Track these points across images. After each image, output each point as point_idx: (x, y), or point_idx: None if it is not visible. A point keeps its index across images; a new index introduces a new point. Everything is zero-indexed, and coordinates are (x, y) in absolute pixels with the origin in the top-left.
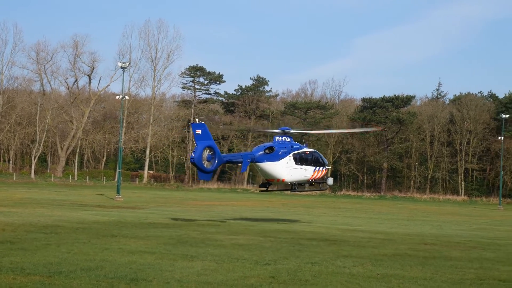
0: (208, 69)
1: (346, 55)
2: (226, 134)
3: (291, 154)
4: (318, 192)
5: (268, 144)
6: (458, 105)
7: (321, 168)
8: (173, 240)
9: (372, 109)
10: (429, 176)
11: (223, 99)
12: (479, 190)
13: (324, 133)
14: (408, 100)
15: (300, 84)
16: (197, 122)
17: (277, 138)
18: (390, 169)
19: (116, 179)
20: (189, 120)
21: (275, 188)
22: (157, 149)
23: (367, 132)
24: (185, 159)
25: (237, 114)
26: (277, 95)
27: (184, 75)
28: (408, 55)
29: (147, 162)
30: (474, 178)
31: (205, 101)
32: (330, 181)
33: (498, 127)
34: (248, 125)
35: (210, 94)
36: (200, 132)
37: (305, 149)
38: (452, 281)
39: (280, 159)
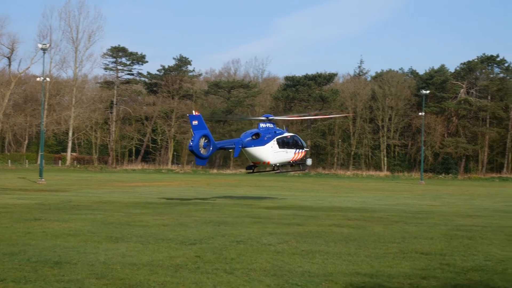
0: (130, 50)
1: (269, 34)
2: (150, 114)
3: (275, 139)
4: (243, 171)
5: (255, 130)
6: (380, 82)
7: (300, 150)
8: (97, 222)
9: (295, 87)
10: (352, 153)
11: (146, 80)
12: (401, 166)
13: (302, 119)
14: (330, 77)
15: (223, 63)
16: (194, 113)
17: (261, 124)
18: (314, 146)
19: (39, 162)
20: (112, 101)
21: (261, 170)
22: (80, 131)
23: (341, 117)
24: (108, 140)
25: (160, 95)
26: (200, 75)
27: (106, 56)
28: (330, 33)
29: (70, 145)
30: (396, 153)
31: (127, 81)
32: (309, 161)
33: (419, 103)
34: (236, 115)
35: (132, 74)
36: (196, 122)
37: (286, 134)
38: (375, 256)
39: (265, 144)
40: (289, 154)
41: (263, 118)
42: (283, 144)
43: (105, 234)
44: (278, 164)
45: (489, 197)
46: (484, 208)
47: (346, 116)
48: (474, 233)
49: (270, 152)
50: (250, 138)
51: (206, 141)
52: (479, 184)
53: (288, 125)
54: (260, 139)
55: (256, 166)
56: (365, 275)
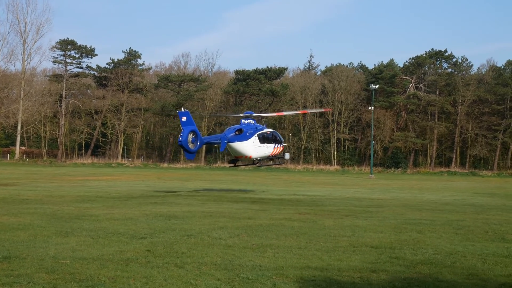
0: (79, 43)
1: (219, 28)
2: (100, 108)
3: (256, 135)
4: (194, 165)
5: (238, 126)
6: (330, 76)
7: (279, 145)
8: (47, 217)
9: (246, 81)
10: (303, 147)
11: (96, 73)
12: (351, 160)
13: (279, 116)
14: (280, 72)
15: (173, 57)
16: (183, 110)
17: (243, 121)
18: None
19: None
20: (61, 95)
21: (242, 164)
22: (29, 124)
23: (320, 112)
24: (58, 134)
25: (110, 88)
26: (150, 68)
27: (55, 49)
28: (280, 27)
29: (18, 138)
30: (346, 148)
31: (77, 75)
32: (287, 156)
33: (369, 97)
34: (214, 112)
35: (82, 68)
36: (185, 119)
37: (266, 130)
38: (326, 249)
39: (248, 139)
40: (269, 149)
41: (243, 115)
42: (264, 139)
43: (54, 228)
44: (259, 158)
45: (438, 191)
46: (433, 202)
47: (326, 111)
48: (423, 226)
49: (252, 147)
50: (234, 133)
51: (194, 136)
52: (428, 178)
53: (239, 119)
54: (242, 134)
55: (238, 160)
56: (316, 269)
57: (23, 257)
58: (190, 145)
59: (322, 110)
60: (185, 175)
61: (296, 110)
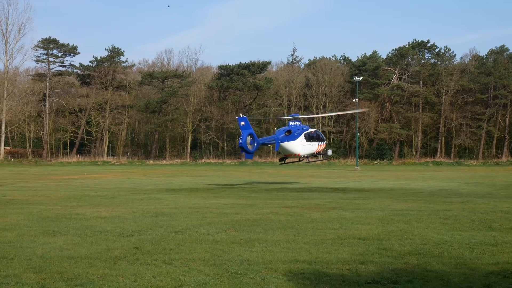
0: (61, 41)
1: (201, 23)
2: (84, 106)
3: (303, 134)
4: (179, 161)
5: (287, 128)
6: (313, 69)
7: (322, 143)
8: (33, 216)
9: (229, 76)
10: None
11: (79, 71)
12: (337, 152)
13: (322, 117)
14: (264, 66)
15: (156, 53)
16: (241, 116)
17: (291, 122)
18: None
19: None
20: (45, 94)
21: (291, 161)
22: (13, 124)
23: (359, 112)
24: (42, 134)
25: (93, 86)
26: (133, 65)
27: (37, 48)
28: (262, 21)
29: (3, 138)
30: (331, 140)
31: (60, 73)
32: (329, 152)
33: (353, 89)
34: (261, 116)
35: (65, 66)
36: (244, 123)
37: (310, 130)
38: (314, 242)
39: (296, 139)
40: (314, 147)
41: (290, 117)
42: (309, 138)
43: (41, 228)
44: (305, 155)
45: (424, 181)
46: (419, 192)
47: (363, 111)
48: (410, 217)
49: (300, 146)
50: (284, 134)
51: (251, 138)
52: (414, 169)
53: (224, 115)
54: (291, 135)
55: (287, 157)
56: (304, 262)
57: (11, 258)
58: (249, 146)
59: (361, 110)
60: (170, 171)
61: (333, 111)
